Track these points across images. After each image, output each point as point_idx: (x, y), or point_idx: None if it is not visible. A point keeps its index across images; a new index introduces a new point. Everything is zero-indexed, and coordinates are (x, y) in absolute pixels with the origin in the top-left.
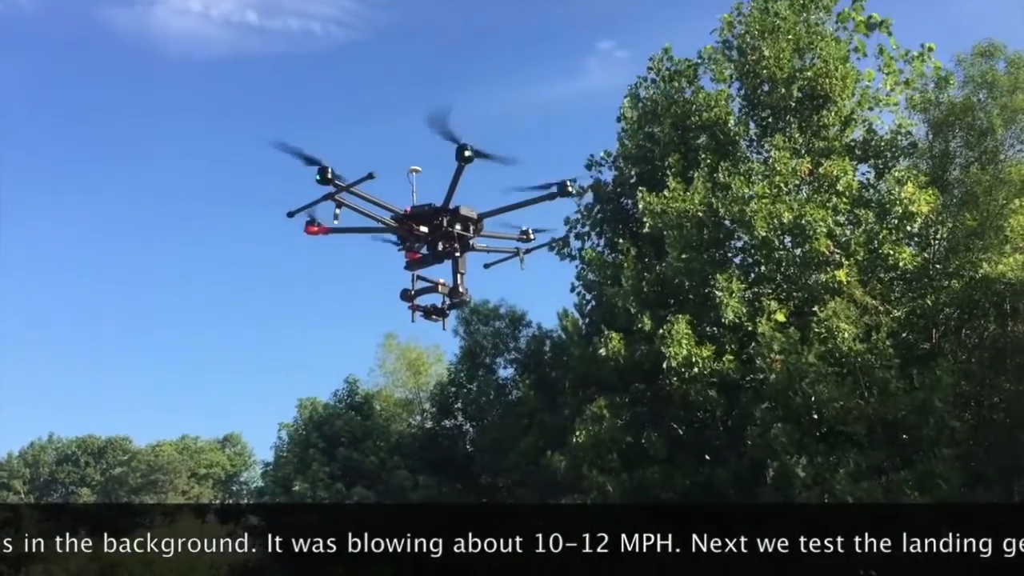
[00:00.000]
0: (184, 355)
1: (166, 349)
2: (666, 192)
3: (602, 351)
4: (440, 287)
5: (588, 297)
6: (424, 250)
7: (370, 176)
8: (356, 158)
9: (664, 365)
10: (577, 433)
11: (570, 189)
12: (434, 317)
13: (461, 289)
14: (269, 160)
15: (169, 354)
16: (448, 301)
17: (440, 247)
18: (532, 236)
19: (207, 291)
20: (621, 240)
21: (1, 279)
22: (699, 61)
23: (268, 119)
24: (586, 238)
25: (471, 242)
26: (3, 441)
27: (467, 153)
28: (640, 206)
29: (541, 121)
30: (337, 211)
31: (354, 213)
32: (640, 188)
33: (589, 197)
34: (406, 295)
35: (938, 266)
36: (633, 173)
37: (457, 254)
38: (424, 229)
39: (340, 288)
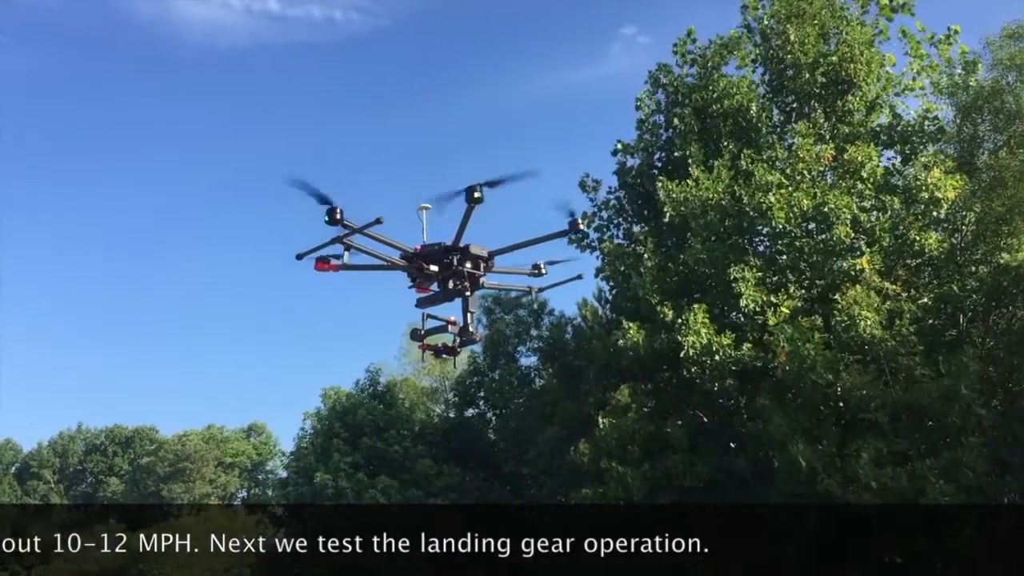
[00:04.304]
0: (209, 344)
1: (189, 339)
2: (689, 181)
3: (621, 342)
4: (450, 325)
5: (609, 285)
6: (435, 287)
7: (378, 221)
8: (377, 147)
9: (682, 354)
10: (601, 424)
11: (581, 226)
12: (445, 356)
13: (471, 328)
14: (292, 149)
15: (194, 344)
16: (458, 340)
17: (451, 285)
18: (545, 271)
19: (231, 280)
20: (642, 228)
21: (27, 270)
22: (725, 43)
23: (289, 108)
24: (605, 229)
25: (481, 280)
26: (33, 432)
27: (476, 195)
28: (661, 195)
29: (565, 106)
30: (346, 253)
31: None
32: (660, 177)
33: (605, 190)
34: (416, 335)
35: (965, 252)
36: (654, 160)
37: (467, 293)
38: (434, 268)
39: (365, 283)
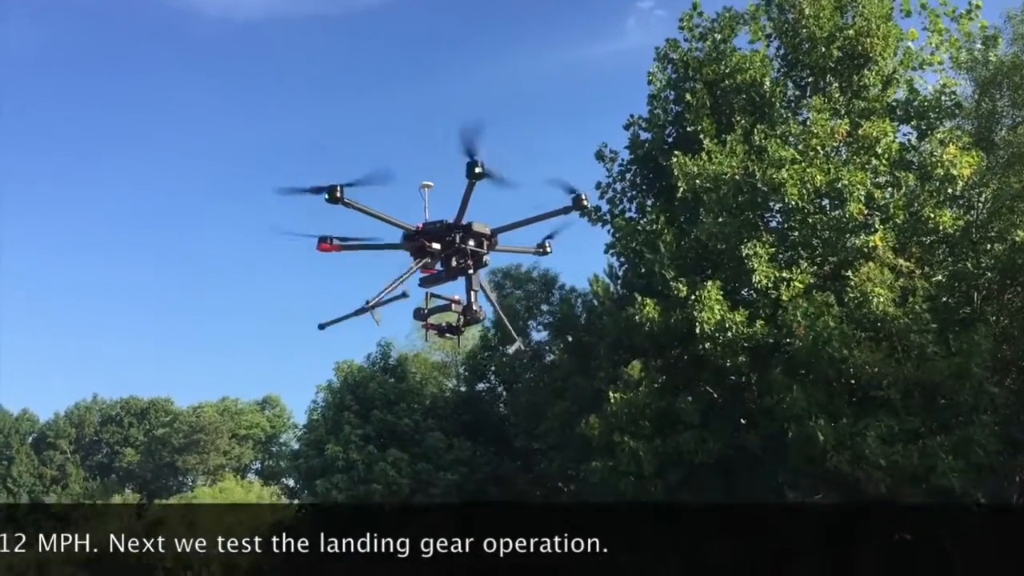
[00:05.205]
0: (224, 317)
1: (204, 311)
2: (702, 155)
3: (637, 317)
4: (454, 305)
5: (621, 261)
6: (438, 266)
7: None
8: (386, 122)
9: (697, 330)
10: (612, 398)
11: (584, 203)
12: (448, 335)
13: (475, 307)
14: (310, 122)
15: (209, 316)
16: (462, 319)
17: (454, 263)
18: (549, 249)
19: (246, 252)
20: (655, 203)
21: (42, 242)
22: (734, 16)
23: (301, 81)
24: (618, 202)
25: (485, 258)
26: (50, 402)
27: (478, 170)
28: (675, 171)
29: (580, 82)
30: (377, 317)
31: (365, 219)
32: (675, 152)
33: (620, 163)
34: (419, 314)
35: (980, 229)
36: (666, 135)
37: (470, 271)
38: (436, 246)
39: (377, 257)
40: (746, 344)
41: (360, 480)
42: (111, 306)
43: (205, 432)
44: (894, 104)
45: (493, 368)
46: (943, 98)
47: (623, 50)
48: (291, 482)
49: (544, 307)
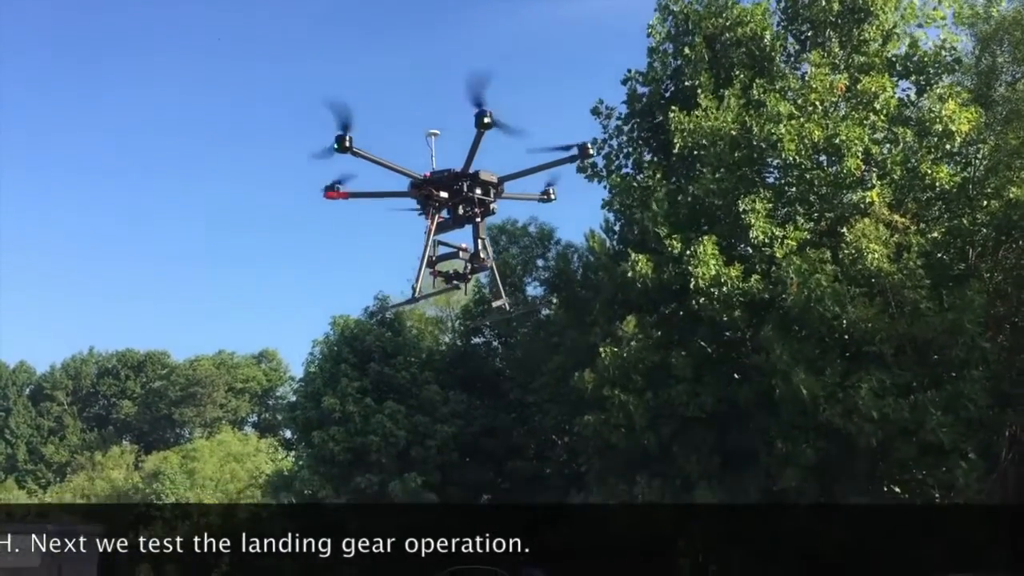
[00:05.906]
0: (220, 270)
1: (200, 264)
2: (698, 112)
3: (629, 273)
4: (461, 252)
5: (617, 217)
6: (445, 214)
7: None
8: (393, 75)
9: (691, 285)
10: (603, 352)
11: (590, 152)
12: (455, 282)
13: (482, 255)
14: (303, 84)
15: (205, 270)
16: (470, 267)
17: (461, 212)
18: (554, 195)
19: (243, 204)
20: (651, 159)
21: (40, 193)
22: None
23: (307, 32)
24: (615, 158)
25: (492, 206)
26: (46, 354)
27: (486, 120)
28: (672, 125)
29: (578, 35)
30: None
31: (373, 168)
32: (672, 107)
33: (617, 117)
34: (428, 262)
35: (977, 186)
36: (664, 90)
37: (478, 219)
38: (444, 194)
39: (375, 210)
40: (741, 299)
41: (357, 432)
42: (107, 258)
43: (202, 385)
44: (893, 59)
45: (488, 323)
46: (943, 53)
47: (622, 3)
48: (288, 434)
49: (540, 262)
